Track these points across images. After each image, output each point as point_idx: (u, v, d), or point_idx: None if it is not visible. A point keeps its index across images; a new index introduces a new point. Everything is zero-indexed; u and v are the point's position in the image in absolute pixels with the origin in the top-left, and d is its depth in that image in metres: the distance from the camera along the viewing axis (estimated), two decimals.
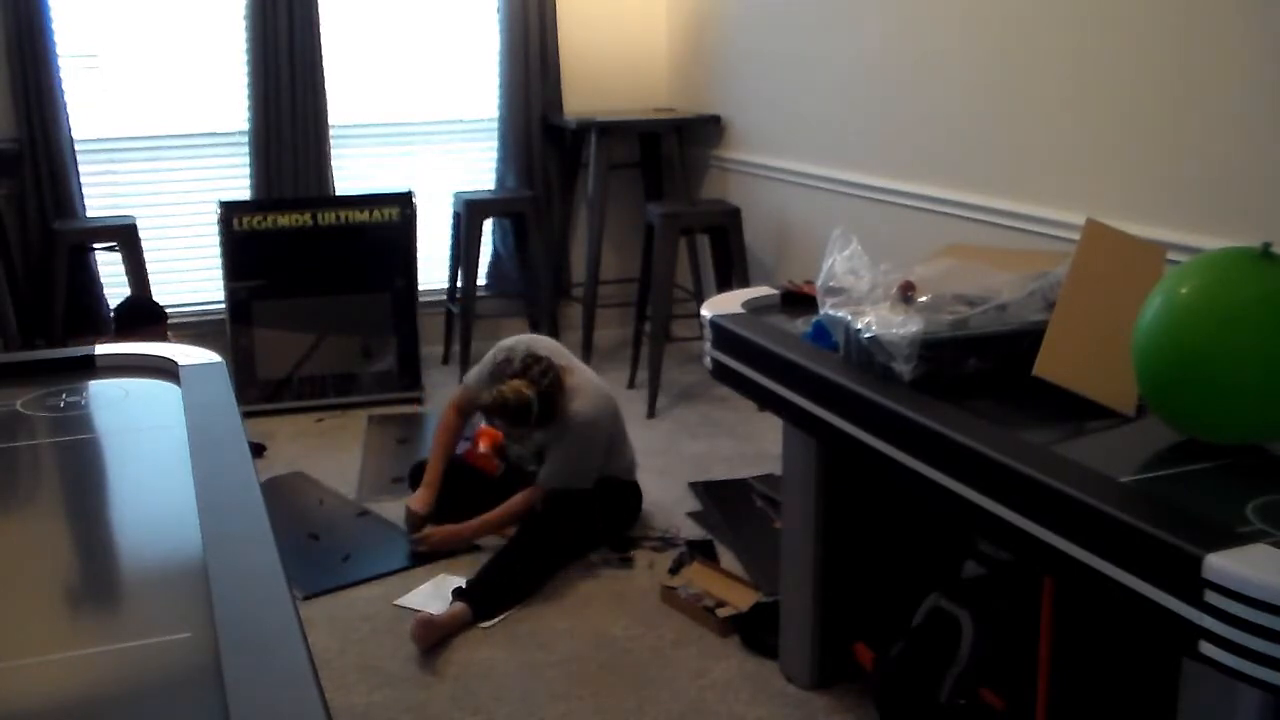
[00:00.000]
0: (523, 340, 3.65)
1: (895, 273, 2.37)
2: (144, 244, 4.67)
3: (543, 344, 3.64)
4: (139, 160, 5.02)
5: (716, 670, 2.88)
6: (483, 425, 3.76)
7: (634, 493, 3.66)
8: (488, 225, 5.25)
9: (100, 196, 4.94)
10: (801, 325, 2.61)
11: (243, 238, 4.80)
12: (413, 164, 5.37)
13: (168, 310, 4.43)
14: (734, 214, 4.68)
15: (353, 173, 5.26)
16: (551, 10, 5.34)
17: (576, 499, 3.45)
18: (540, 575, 3.29)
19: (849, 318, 2.32)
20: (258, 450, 4.18)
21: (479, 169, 5.50)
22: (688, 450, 4.31)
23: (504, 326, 5.17)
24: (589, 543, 3.47)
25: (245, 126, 5.03)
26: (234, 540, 1.49)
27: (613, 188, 5.26)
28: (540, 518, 3.42)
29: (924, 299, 2.29)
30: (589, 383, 3.57)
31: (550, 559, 3.34)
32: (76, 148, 4.80)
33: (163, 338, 4.17)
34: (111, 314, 4.27)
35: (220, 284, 4.85)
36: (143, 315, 4.21)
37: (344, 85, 5.17)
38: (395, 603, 3.20)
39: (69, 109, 4.75)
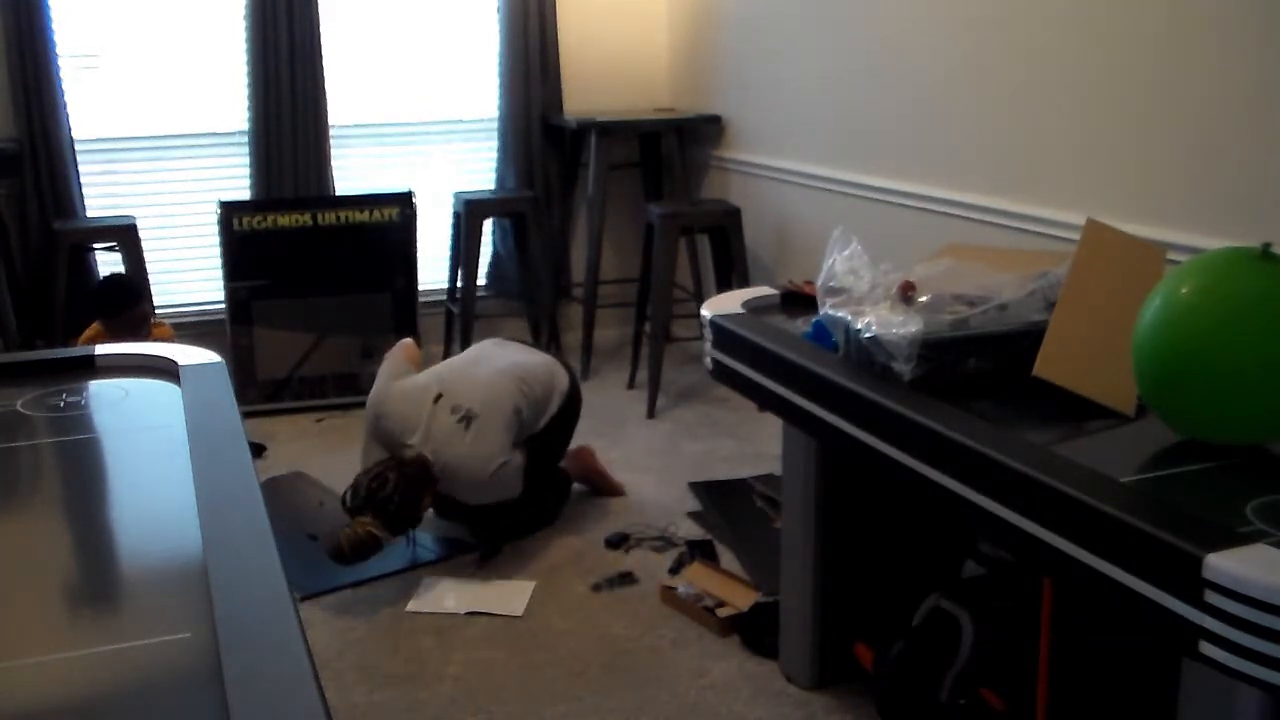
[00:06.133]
0: (446, 377, 3.53)
1: (895, 273, 2.37)
2: (144, 244, 4.67)
3: (470, 382, 3.51)
4: (139, 160, 5.02)
5: (716, 670, 2.87)
6: None
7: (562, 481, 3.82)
8: (488, 225, 5.25)
9: (100, 196, 4.94)
10: (801, 325, 2.61)
11: (243, 238, 4.80)
12: (413, 164, 5.37)
13: (167, 308, 4.43)
14: (734, 214, 4.68)
15: (353, 173, 5.26)
16: (551, 10, 5.34)
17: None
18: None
19: (849, 318, 2.32)
20: (258, 450, 4.18)
21: (479, 169, 5.49)
22: (688, 450, 4.31)
23: (504, 326, 5.17)
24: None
25: (245, 126, 5.02)
26: (234, 540, 1.48)
27: (613, 188, 5.26)
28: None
29: (924, 299, 2.29)
30: (477, 447, 3.37)
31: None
32: (76, 148, 4.79)
33: (146, 317, 4.15)
34: (96, 305, 4.21)
35: (220, 284, 4.85)
36: (125, 298, 4.16)
37: (344, 85, 5.17)
38: (408, 609, 3.20)
39: (69, 109, 4.74)
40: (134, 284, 4.30)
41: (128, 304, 4.11)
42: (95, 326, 4.11)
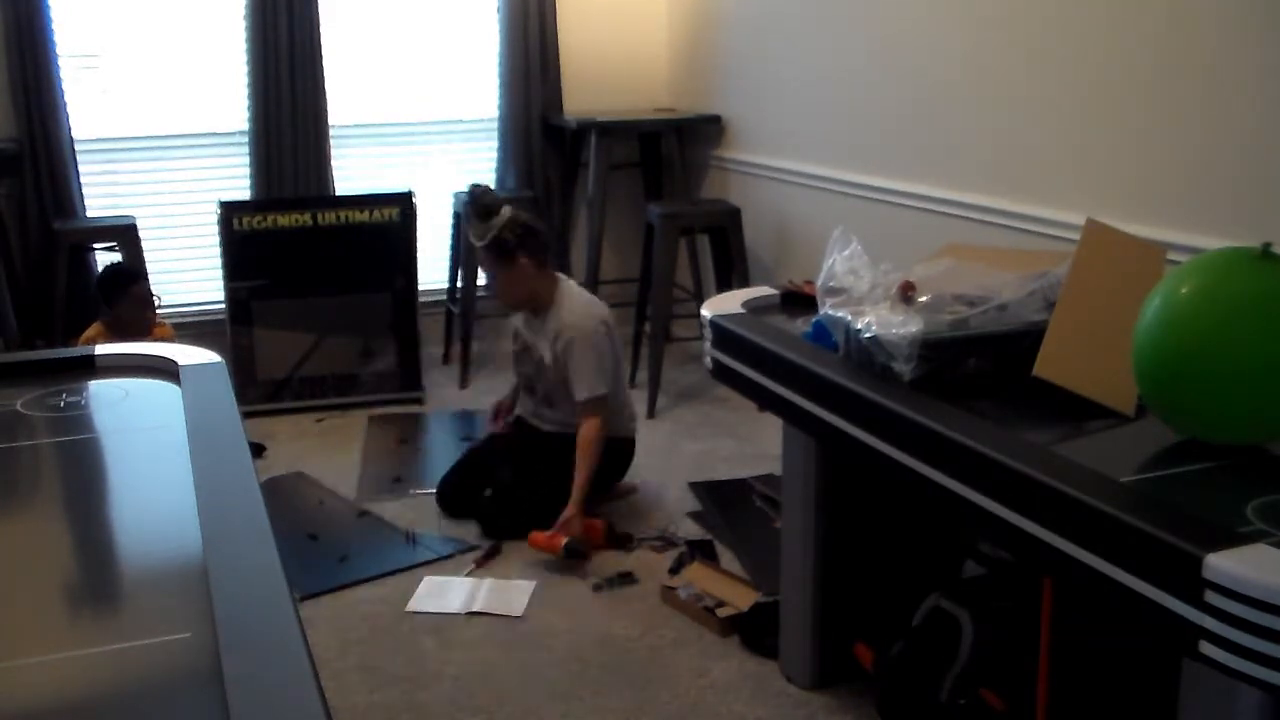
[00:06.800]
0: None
1: (895, 273, 2.37)
2: (144, 244, 4.67)
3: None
4: (139, 160, 5.02)
5: (716, 670, 2.87)
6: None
7: (628, 447, 3.84)
8: None
9: (100, 196, 4.94)
10: (801, 325, 2.61)
11: (243, 238, 4.80)
12: (413, 164, 5.37)
13: (167, 308, 4.42)
14: (734, 214, 4.68)
15: (353, 173, 5.26)
16: (551, 10, 5.34)
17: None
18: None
19: (849, 318, 2.32)
20: (258, 450, 4.18)
21: (479, 169, 5.49)
22: (688, 450, 4.30)
23: (504, 326, 5.17)
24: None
25: (245, 126, 5.02)
26: (234, 540, 1.49)
27: (613, 188, 5.26)
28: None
29: (924, 299, 2.29)
30: (577, 300, 3.74)
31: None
32: (76, 147, 4.80)
33: (145, 296, 4.16)
34: (99, 294, 4.23)
35: (220, 284, 4.85)
36: (123, 277, 4.18)
37: (344, 85, 5.17)
38: (408, 609, 3.19)
39: (69, 109, 4.75)
40: (129, 266, 4.31)
41: (129, 282, 4.13)
42: (95, 326, 4.11)
